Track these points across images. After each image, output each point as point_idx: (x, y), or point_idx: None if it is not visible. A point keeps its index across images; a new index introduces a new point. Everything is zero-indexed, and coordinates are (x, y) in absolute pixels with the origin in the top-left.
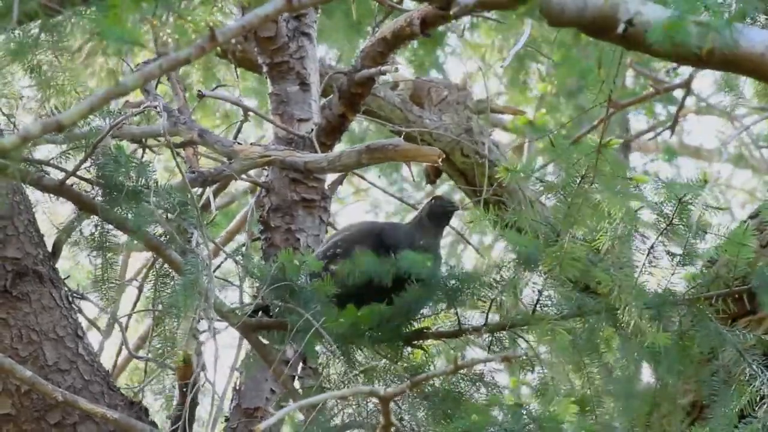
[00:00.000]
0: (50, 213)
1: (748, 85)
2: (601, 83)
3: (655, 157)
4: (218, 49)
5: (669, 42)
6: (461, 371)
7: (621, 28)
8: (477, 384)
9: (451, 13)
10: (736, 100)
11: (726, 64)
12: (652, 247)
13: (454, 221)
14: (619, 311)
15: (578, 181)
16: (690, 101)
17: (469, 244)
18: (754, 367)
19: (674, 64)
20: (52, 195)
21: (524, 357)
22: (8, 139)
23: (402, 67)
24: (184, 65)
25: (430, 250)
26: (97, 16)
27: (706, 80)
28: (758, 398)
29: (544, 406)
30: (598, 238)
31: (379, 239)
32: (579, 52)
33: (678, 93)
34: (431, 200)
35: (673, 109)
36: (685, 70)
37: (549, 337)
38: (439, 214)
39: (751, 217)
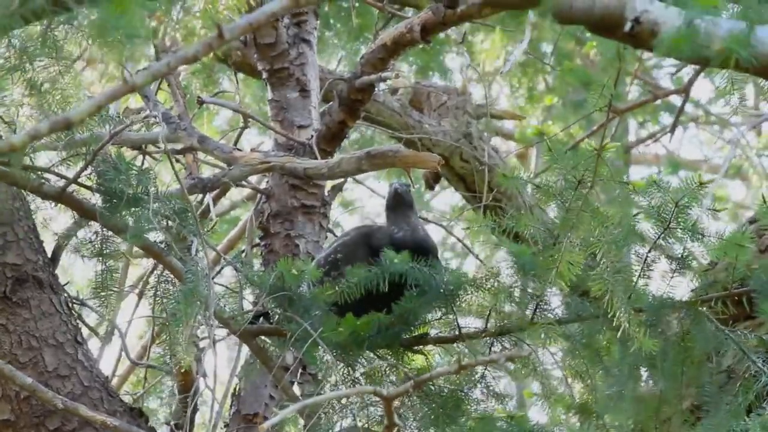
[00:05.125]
0: (50, 220)
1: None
2: (602, 87)
3: (657, 169)
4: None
5: (677, 53)
6: (464, 378)
7: (628, 26)
8: (478, 388)
9: (458, 10)
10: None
11: (739, 67)
12: (649, 251)
13: (455, 228)
14: (611, 316)
15: (576, 186)
16: (692, 110)
17: (471, 252)
18: (759, 364)
19: (675, 69)
20: (52, 202)
21: (527, 357)
22: (17, 137)
23: (402, 73)
24: (191, 63)
25: (407, 238)
26: (104, 13)
27: (706, 86)
28: (765, 393)
29: (547, 412)
30: (594, 243)
31: (368, 242)
32: (582, 61)
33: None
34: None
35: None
36: (685, 76)
37: (545, 341)
38: (391, 201)
39: (750, 222)
